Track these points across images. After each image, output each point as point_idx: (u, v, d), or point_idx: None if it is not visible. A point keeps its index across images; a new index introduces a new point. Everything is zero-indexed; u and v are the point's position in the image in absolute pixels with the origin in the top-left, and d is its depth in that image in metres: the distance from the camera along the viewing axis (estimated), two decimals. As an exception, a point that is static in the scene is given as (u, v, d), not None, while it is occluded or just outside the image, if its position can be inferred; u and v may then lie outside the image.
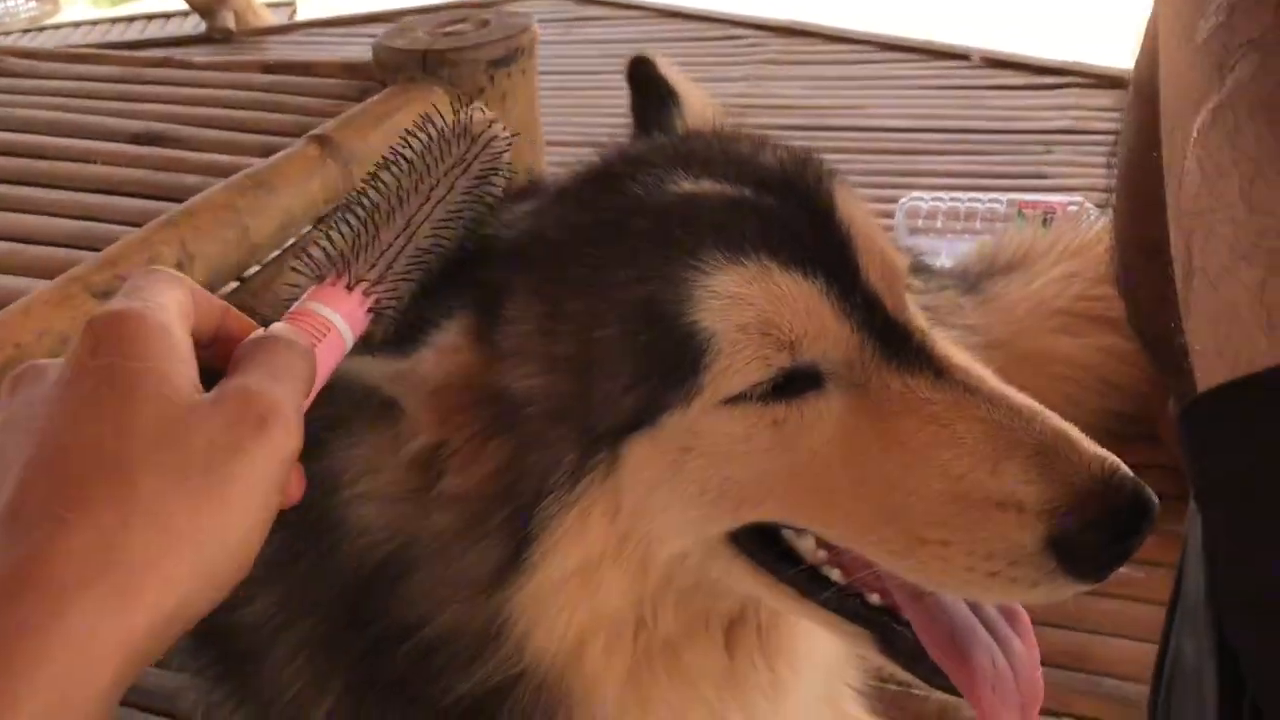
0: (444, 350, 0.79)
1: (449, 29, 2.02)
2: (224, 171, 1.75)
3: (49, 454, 0.53)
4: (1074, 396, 1.60)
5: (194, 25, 4.27)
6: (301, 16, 4.48)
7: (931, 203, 2.31)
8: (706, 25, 3.69)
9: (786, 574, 0.84)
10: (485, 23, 2.02)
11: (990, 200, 2.28)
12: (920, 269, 1.68)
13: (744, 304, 0.76)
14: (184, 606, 0.53)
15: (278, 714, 0.94)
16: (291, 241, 1.70)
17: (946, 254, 2.12)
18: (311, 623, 0.91)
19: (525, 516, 0.80)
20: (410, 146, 0.74)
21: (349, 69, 2.18)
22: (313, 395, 0.63)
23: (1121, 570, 0.74)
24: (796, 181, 0.85)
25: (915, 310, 0.85)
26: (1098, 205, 2.07)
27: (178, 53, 2.92)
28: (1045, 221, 2.13)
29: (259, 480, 0.55)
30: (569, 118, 2.93)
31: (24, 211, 1.75)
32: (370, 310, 0.69)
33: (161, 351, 0.56)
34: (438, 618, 0.84)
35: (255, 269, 1.65)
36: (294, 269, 0.69)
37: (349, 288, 0.68)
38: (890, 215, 2.29)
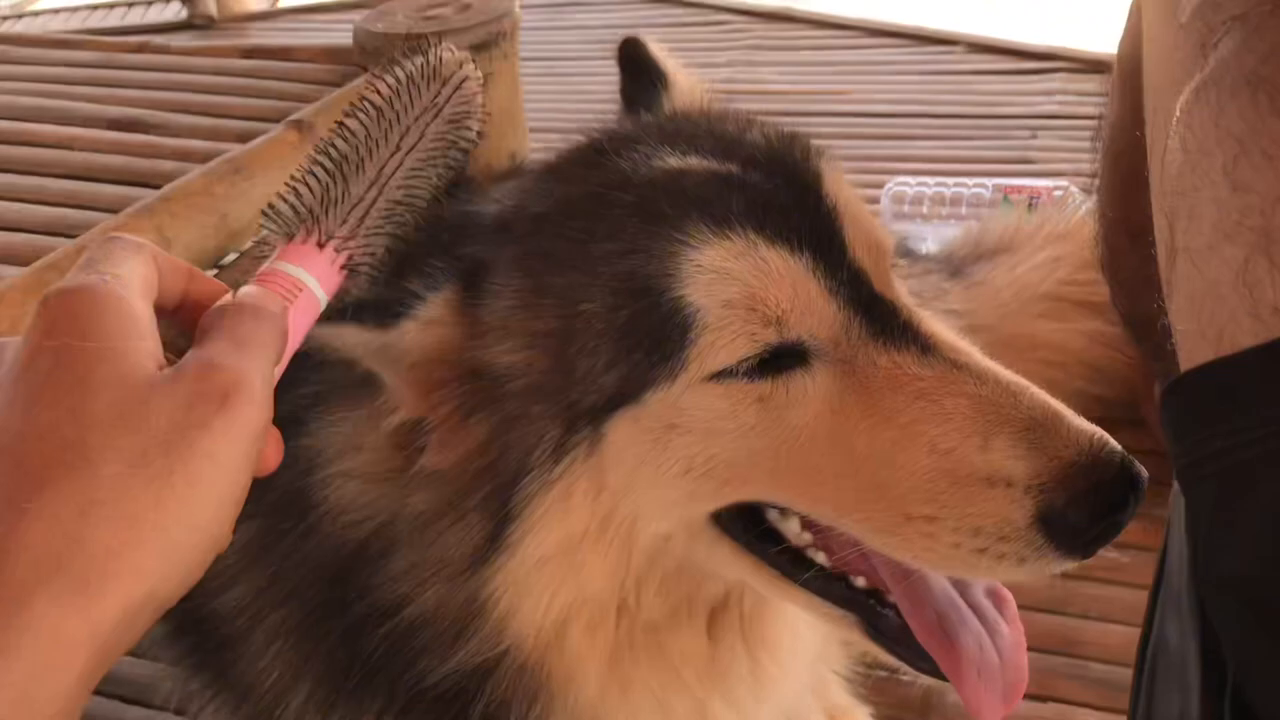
0: (426, 323, 0.78)
1: (430, 13, 2.02)
2: (202, 157, 1.74)
3: (5, 441, 0.51)
4: (1059, 381, 1.60)
5: (176, 11, 4.23)
6: (284, 3, 4.44)
7: (917, 188, 2.30)
8: (692, 11, 3.67)
9: (770, 555, 0.83)
10: (467, 7, 2.01)
11: (976, 185, 2.28)
12: (906, 254, 1.68)
13: (730, 279, 0.75)
14: (154, 594, 0.51)
15: (255, 701, 0.93)
16: (234, 257, 1.68)
17: (932, 239, 2.11)
18: (290, 608, 0.90)
19: (506, 495, 0.79)
20: (379, 92, 0.70)
21: (329, 54, 2.17)
22: (286, 359, 0.61)
23: (1107, 554, 0.74)
24: (784, 159, 0.84)
25: (901, 288, 0.84)
26: (1083, 190, 2.07)
27: (158, 39, 2.89)
28: (1030, 206, 2.12)
29: (226, 457, 0.53)
30: (555, 104, 2.92)
31: (1, 199, 1.74)
32: (344, 267, 0.67)
33: (119, 329, 0.54)
34: (418, 599, 0.83)
35: (233, 255, 1.64)
36: (262, 224, 0.66)
37: (320, 245, 0.65)
38: (876, 200, 2.29)
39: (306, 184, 0.66)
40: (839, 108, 2.93)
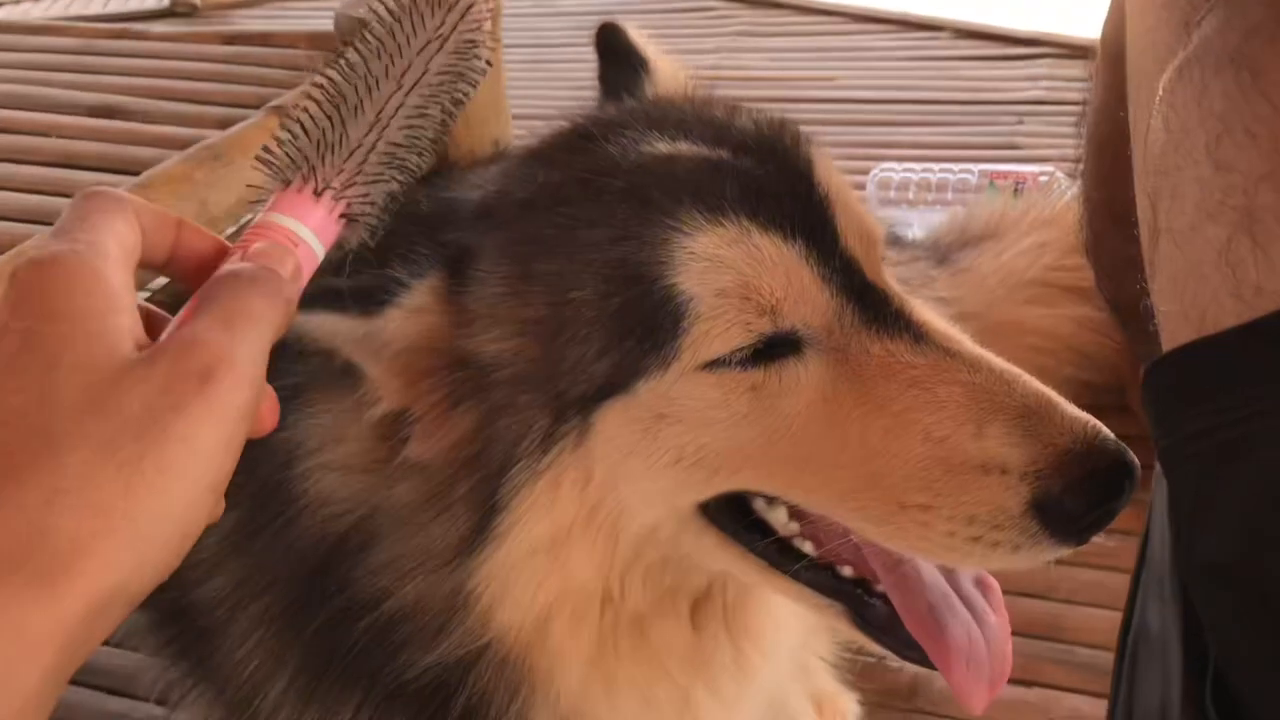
0: (411, 311, 0.77)
1: (412, -2, 1.99)
2: (182, 144, 1.72)
3: None
4: (1046, 367, 1.60)
5: (157, -1, 4.20)
6: (268, -11, 4.40)
7: (903, 174, 2.30)
8: (677, -3, 3.66)
9: (757, 545, 0.82)
10: (450, -9, 1.99)
11: (962, 171, 2.28)
12: (892, 240, 1.67)
13: (724, 267, 0.74)
14: (124, 586, 0.49)
15: (234, 690, 0.92)
16: (249, 218, 1.67)
17: (918, 225, 2.10)
18: (270, 599, 0.89)
19: (493, 486, 0.78)
20: (380, 22, 0.64)
21: (311, 39, 2.14)
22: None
23: (1095, 539, 0.73)
24: (774, 145, 0.83)
25: (891, 276, 0.83)
26: (1069, 175, 2.07)
27: (139, 25, 2.86)
28: (1017, 192, 2.12)
29: (204, 442, 0.50)
30: (541, 91, 2.90)
31: (-21, 186, 1.72)
32: (342, 216, 0.62)
33: (90, 307, 0.51)
34: (401, 591, 0.82)
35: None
36: (255, 167, 0.62)
37: (316, 194, 0.61)
38: (862, 186, 2.28)
39: (302, 125, 0.62)
40: (825, 94, 2.92)
